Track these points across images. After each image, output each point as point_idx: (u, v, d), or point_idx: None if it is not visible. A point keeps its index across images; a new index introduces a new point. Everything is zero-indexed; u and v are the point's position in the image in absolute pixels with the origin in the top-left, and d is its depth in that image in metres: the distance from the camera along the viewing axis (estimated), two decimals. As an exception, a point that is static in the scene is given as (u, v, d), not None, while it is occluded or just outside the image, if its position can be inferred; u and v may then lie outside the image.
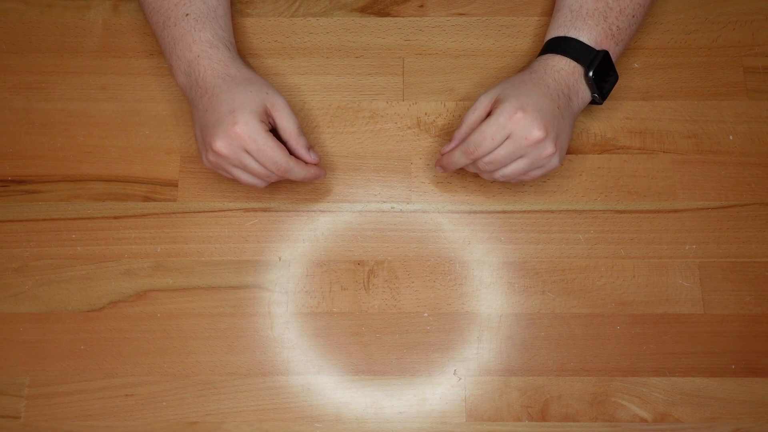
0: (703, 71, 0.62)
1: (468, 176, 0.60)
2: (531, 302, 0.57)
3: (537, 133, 0.51)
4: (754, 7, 0.64)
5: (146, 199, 0.60)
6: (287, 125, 0.53)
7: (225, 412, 0.55)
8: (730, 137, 0.61)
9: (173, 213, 0.59)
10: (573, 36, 0.55)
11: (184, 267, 0.58)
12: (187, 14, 0.55)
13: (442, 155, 0.55)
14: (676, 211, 0.59)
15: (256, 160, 0.51)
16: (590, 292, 0.57)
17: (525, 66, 0.59)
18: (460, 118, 0.61)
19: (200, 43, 0.54)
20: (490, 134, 0.51)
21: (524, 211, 0.59)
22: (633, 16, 0.57)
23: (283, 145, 0.52)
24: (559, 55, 0.55)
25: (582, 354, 0.56)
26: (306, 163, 0.54)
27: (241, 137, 0.50)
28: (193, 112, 0.54)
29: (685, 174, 0.60)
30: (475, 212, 0.59)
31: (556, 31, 0.56)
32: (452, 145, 0.55)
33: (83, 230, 0.59)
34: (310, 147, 0.55)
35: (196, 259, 0.58)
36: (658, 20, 0.63)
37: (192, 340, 0.57)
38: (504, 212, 0.59)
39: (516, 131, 0.51)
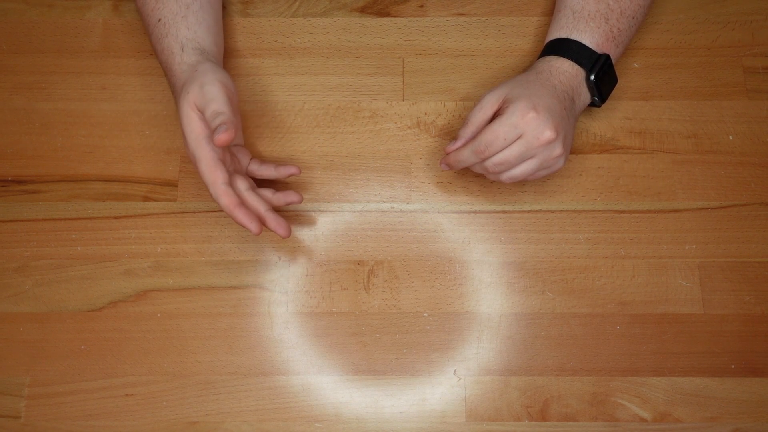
0: (702, 71, 0.62)
1: (468, 176, 0.60)
2: (531, 302, 0.57)
3: (549, 134, 0.51)
4: (754, 7, 0.64)
5: (146, 199, 0.60)
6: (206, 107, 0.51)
7: (225, 412, 0.55)
8: (730, 137, 0.61)
9: (173, 213, 0.59)
10: (575, 38, 0.55)
11: (184, 267, 0.58)
12: (159, 19, 0.56)
13: (448, 153, 0.55)
14: (676, 211, 0.59)
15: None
16: (590, 292, 0.57)
17: (528, 67, 0.59)
18: (460, 118, 0.61)
19: (168, 53, 0.55)
20: (502, 134, 0.51)
21: (524, 211, 0.59)
22: (633, 18, 0.57)
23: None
24: (562, 58, 0.55)
25: (582, 354, 0.56)
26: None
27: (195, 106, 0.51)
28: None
29: (685, 174, 0.60)
30: (475, 212, 0.59)
31: (558, 32, 0.56)
32: (459, 143, 0.54)
33: (83, 230, 0.59)
34: (227, 127, 0.49)
35: (196, 259, 0.58)
36: (658, 20, 0.64)
37: (192, 340, 0.57)
38: (504, 212, 0.59)
39: (528, 131, 0.51)
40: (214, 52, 0.57)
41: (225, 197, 0.50)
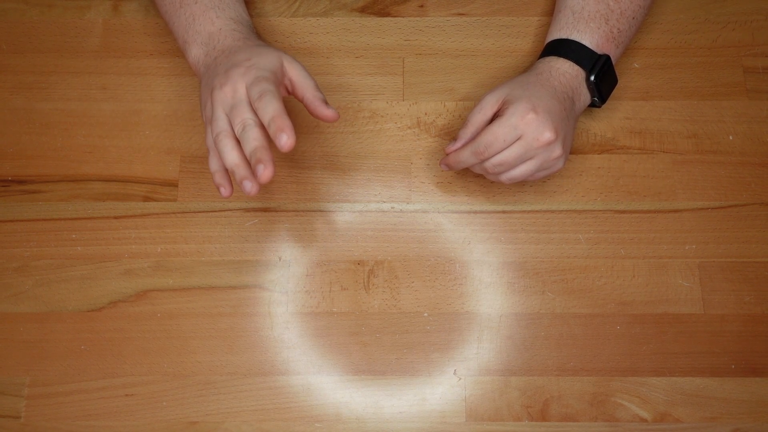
0: (702, 71, 0.62)
1: (468, 176, 0.60)
2: (531, 302, 0.57)
3: (548, 135, 0.51)
4: (754, 7, 0.64)
5: (146, 199, 0.60)
6: (304, 81, 0.49)
7: (225, 412, 0.55)
8: (730, 137, 0.61)
9: (173, 213, 0.59)
10: (575, 39, 0.55)
11: (184, 267, 0.58)
12: None
13: (448, 154, 0.55)
14: (676, 211, 0.59)
15: (249, 104, 0.47)
16: (590, 292, 0.57)
17: (528, 67, 0.59)
18: (460, 119, 0.61)
19: (224, 19, 0.54)
20: (501, 135, 0.51)
21: (524, 211, 0.59)
22: (633, 18, 0.57)
23: (284, 107, 0.46)
24: (562, 58, 0.55)
25: (582, 354, 0.56)
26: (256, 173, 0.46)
27: (247, 76, 0.47)
28: (203, 77, 0.52)
29: (685, 174, 0.60)
30: (475, 212, 0.59)
31: (558, 33, 0.56)
32: (458, 144, 0.54)
33: (83, 230, 0.59)
34: (328, 102, 0.50)
35: (196, 259, 0.58)
36: (658, 20, 0.63)
37: (192, 340, 0.57)
38: (504, 212, 0.59)
39: (528, 132, 0.51)
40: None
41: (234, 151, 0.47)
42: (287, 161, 0.60)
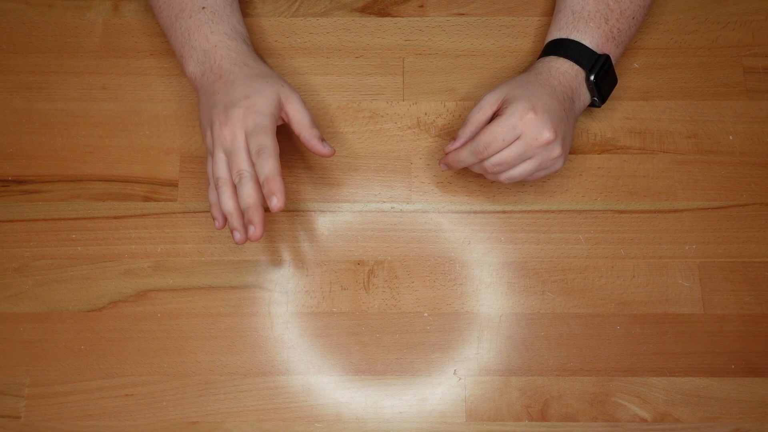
0: (702, 71, 0.62)
1: (468, 176, 0.60)
2: (531, 302, 0.57)
3: (547, 135, 0.51)
4: (754, 7, 0.64)
5: (146, 199, 0.60)
6: (301, 117, 0.52)
7: (225, 412, 0.55)
8: (730, 137, 0.61)
9: (173, 213, 0.59)
10: (575, 38, 0.55)
11: (184, 267, 0.58)
12: (203, 7, 0.55)
13: (447, 153, 0.55)
14: (676, 211, 0.59)
15: (247, 152, 0.50)
16: (590, 292, 0.57)
17: (528, 67, 0.59)
18: (460, 118, 0.61)
19: (218, 35, 0.54)
20: (501, 134, 0.51)
21: (524, 211, 0.59)
22: (633, 18, 0.57)
23: (279, 164, 0.49)
24: (562, 58, 0.55)
25: (582, 354, 0.56)
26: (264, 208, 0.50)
27: (246, 121, 0.50)
28: (201, 97, 0.54)
29: (685, 174, 0.60)
30: (475, 212, 0.59)
31: (558, 32, 0.56)
32: (458, 143, 0.54)
33: (83, 230, 0.59)
34: (323, 139, 0.53)
35: (196, 259, 0.58)
36: (658, 20, 0.63)
37: (192, 340, 0.57)
38: (504, 212, 0.59)
39: (527, 132, 0.51)
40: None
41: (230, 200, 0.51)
42: (287, 161, 0.61)
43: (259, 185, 0.49)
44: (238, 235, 0.50)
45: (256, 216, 0.49)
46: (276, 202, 0.48)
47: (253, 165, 0.50)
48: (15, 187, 0.60)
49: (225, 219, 0.52)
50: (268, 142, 0.49)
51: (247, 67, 0.53)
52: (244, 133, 0.50)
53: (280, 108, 0.52)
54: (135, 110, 0.62)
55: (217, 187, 0.51)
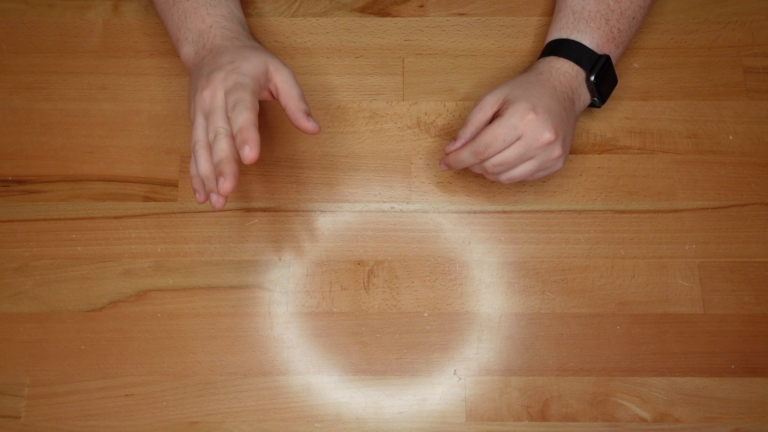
0: (702, 71, 0.62)
1: (468, 176, 0.60)
2: (531, 302, 0.57)
3: (548, 135, 0.51)
4: (754, 7, 0.64)
5: (146, 199, 0.60)
6: (289, 89, 0.49)
7: (225, 412, 0.55)
8: (730, 137, 0.61)
9: (173, 213, 0.59)
10: (575, 39, 0.55)
11: (184, 267, 0.58)
12: None
13: (447, 154, 0.55)
14: (676, 211, 0.59)
15: (225, 110, 0.47)
16: (590, 292, 0.57)
17: (528, 67, 0.59)
18: (460, 118, 0.61)
19: (215, 16, 0.54)
20: (501, 135, 0.51)
21: (524, 211, 0.59)
22: (633, 18, 0.57)
23: (256, 118, 0.46)
24: (562, 58, 0.55)
25: (582, 354, 0.56)
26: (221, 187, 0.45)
27: (227, 81, 0.47)
28: (192, 75, 0.52)
29: (685, 174, 0.60)
30: (475, 212, 0.59)
31: (558, 32, 0.56)
32: (458, 144, 0.54)
33: (83, 230, 0.59)
34: (310, 114, 0.49)
35: (196, 259, 0.58)
36: (658, 20, 0.63)
37: (192, 340, 0.57)
38: (504, 212, 0.59)
39: (527, 132, 0.51)
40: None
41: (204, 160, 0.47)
42: (287, 161, 0.61)
43: (233, 140, 0.46)
44: (214, 197, 0.46)
45: (227, 167, 0.45)
46: (248, 152, 0.44)
47: (229, 122, 0.46)
48: (15, 187, 0.60)
49: (206, 192, 0.48)
50: (245, 96, 0.46)
51: (239, 41, 0.52)
52: (223, 93, 0.47)
53: (267, 78, 0.49)
54: (135, 110, 0.62)
55: (193, 152, 0.47)
